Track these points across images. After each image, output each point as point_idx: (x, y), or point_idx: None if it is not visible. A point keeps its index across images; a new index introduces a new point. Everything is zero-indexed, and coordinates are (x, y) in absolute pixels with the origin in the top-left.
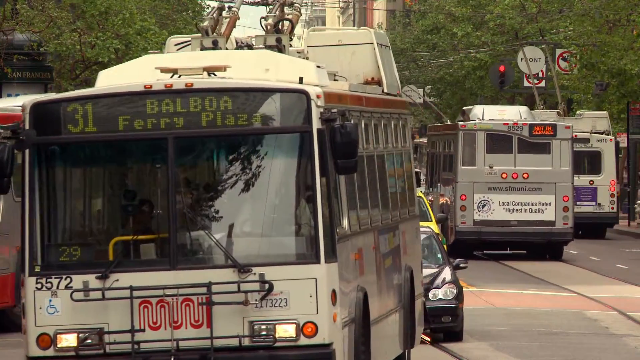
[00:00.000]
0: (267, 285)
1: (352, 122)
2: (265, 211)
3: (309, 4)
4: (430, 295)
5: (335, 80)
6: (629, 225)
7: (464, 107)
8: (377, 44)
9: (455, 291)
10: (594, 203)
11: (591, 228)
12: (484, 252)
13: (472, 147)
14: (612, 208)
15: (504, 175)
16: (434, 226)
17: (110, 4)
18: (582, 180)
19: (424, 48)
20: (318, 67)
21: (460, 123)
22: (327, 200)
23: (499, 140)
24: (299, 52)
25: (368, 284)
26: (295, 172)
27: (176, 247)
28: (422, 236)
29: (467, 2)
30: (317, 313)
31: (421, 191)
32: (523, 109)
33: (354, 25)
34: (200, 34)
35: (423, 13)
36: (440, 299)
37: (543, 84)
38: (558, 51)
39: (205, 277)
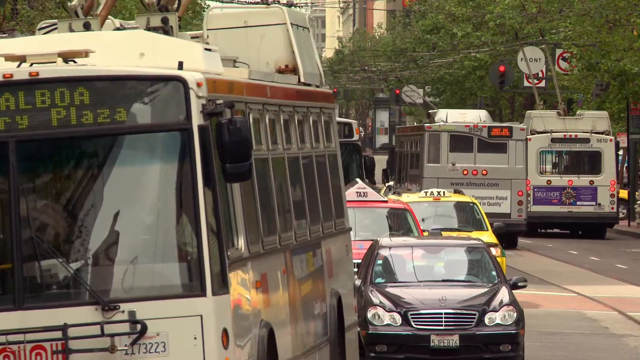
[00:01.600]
0: (139, 326)
1: (251, 116)
2: (135, 232)
3: (309, 4)
4: (486, 319)
5: (235, 67)
6: (629, 225)
7: (430, 111)
8: (292, 24)
9: (515, 315)
10: (594, 203)
11: (591, 228)
12: None
13: (437, 146)
14: (612, 208)
15: (465, 172)
16: (489, 236)
17: None
18: (582, 180)
19: (424, 48)
20: (208, 50)
21: (426, 125)
22: (213, 215)
23: (461, 141)
24: (195, 38)
25: (276, 318)
26: (172, 181)
27: (22, 281)
28: (463, 249)
29: (467, 2)
30: (204, 359)
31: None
32: (483, 113)
33: (354, 26)
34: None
35: (423, 13)
36: (498, 324)
37: (543, 84)
38: (558, 51)
39: (60, 318)
